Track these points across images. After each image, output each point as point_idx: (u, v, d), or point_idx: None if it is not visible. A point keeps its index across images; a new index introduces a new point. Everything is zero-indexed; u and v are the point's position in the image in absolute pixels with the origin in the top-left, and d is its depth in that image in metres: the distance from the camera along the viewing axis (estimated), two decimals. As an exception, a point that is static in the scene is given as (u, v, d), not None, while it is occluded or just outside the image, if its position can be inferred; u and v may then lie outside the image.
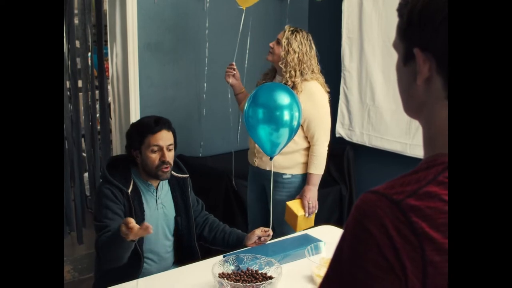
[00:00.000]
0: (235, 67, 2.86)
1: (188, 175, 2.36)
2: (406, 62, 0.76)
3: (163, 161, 2.18)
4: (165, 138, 2.20)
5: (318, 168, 2.69)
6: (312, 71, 2.68)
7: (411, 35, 0.74)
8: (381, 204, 0.68)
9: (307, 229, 2.65)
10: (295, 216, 2.66)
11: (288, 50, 2.64)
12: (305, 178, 2.73)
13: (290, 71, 2.63)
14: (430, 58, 0.71)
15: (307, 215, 2.68)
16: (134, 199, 2.16)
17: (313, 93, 2.65)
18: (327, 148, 2.72)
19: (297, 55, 2.64)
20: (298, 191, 2.74)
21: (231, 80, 2.86)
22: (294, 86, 2.61)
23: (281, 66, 2.67)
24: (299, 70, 2.64)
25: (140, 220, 2.10)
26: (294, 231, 2.70)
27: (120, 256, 2.00)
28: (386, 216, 0.66)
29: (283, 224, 2.76)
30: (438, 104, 0.73)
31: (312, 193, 2.69)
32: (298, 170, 2.74)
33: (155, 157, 2.17)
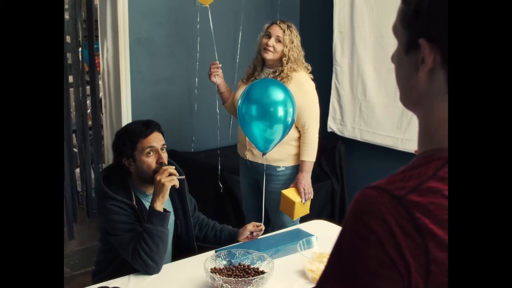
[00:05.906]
0: (219, 65, 2.85)
1: (184, 177, 2.23)
2: (408, 51, 0.73)
3: (160, 163, 2.08)
4: (158, 139, 2.11)
5: (311, 155, 2.72)
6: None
7: (418, 25, 0.70)
8: (383, 199, 0.65)
9: (303, 216, 2.68)
10: (292, 203, 2.67)
11: (291, 46, 2.69)
12: (297, 168, 2.76)
13: (290, 66, 2.69)
14: (436, 50, 0.69)
15: (303, 201, 2.70)
16: (141, 211, 2.07)
17: (302, 82, 2.70)
18: (317, 136, 2.75)
19: (296, 49, 2.71)
20: (292, 181, 2.76)
21: (217, 79, 2.84)
22: (286, 77, 2.65)
23: (283, 61, 2.70)
24: (296, 62, 2.70)
25: None
26: (290, 219, 2.72)
27: (166, 246, 2.02)
28: (388, 212, 0.64)
29: (280, 214, 2.78)
30: (439, 97, 0.70)
31: (306, 180, 2.72)
32: (290, 162, 2.77)
33: (151, 160, 2.08)
